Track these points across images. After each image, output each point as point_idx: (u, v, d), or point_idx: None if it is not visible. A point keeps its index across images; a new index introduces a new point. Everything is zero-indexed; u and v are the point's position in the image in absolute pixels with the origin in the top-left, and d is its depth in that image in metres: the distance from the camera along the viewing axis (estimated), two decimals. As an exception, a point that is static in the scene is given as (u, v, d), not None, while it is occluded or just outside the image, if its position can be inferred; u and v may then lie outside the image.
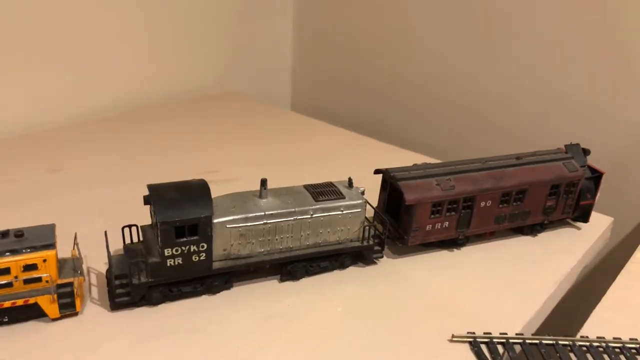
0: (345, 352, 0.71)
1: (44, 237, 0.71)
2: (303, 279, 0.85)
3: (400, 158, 1.31)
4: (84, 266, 0.83)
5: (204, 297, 0.79)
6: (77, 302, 0.73)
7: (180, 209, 0.73)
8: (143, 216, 0.81)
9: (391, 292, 0.83)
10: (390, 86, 1.71)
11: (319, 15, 1.83)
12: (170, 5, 1.54)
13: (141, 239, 0.80)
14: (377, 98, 1.75)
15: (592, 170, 1.01)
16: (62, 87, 1.39)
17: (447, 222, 0.90)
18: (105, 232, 0.79)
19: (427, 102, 1.64)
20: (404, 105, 1.69)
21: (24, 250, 0.69)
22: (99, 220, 0.96)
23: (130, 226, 0.80)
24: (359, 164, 1.23)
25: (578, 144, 1.02)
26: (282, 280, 0.84)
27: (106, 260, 0.82)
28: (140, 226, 0.81)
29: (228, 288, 0.81)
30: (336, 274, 0.87)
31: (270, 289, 0.83)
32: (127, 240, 0.80)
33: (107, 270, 0.78)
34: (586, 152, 1.01)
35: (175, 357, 0.68)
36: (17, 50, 1.28)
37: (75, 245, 0.77)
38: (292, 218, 0.80)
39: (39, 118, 1.36)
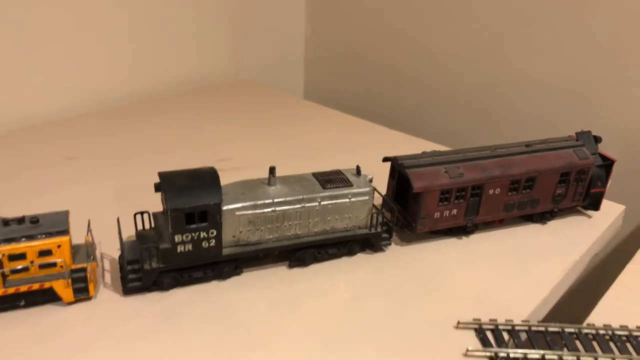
0: (353, 338, 0.72)
1: (58, 224, 0.73)
2: (312, 265, 0.86)
3: (410, 146, 1.30)
4: (97, 252, 0.85)
5: (214, 282, 0.81)
6: (91, 286, 0.75)
7: (191, 196, 0.74)
8: (155, 203, 0.83)
9: (399, 279, 0.84)
10: (402, 74, 1.71)
11: (332, 2, 1.83)
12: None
13: (152, 225, 0.82)
14: (389, 86, 1.75)
15: (604, 157, 1.00)
16: (79, 76, 1.41)
17: (456, 210, 0.90)
18: (118, 219, 0.81)
19: (439, 90, 1.63)
20: (416, 93, 1.69)
21: (39, 236, 0.71)
22: (112, 207, 0.98)
23: (142, 213, 0.82)
24: (370, 152, 1.23)
25: (589, 132, 1.01)
26: (290, 266, 0.85)
27: (119, 246, 0.83)
28: (152, 213, 0.82)
29: (238, 274, 0.82)
30: (344, 261, 0.88)
31: (279, 275, 0.84)
32: (139, 227, 0.82)
33: (119, 256, 0.80)
34: (597, 139, 1.01)
35: (186, 342, 0.70)
36: (37, 39, 1.30)
37: (89, 232, 0.79)
38: (300, 205, 0.81)
39: (57, 106, 1.38)
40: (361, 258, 0.89)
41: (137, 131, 1.32)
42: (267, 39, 1.84)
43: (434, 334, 0.73)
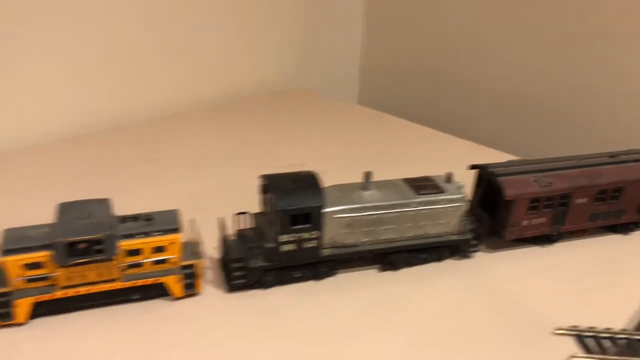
0: (445, 345, 0.73)
1: (170, 222, 0.77)
2: (402, 269, 0.88)
3: (478, 154, 1.31)
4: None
5: (310, 282, 0.84)
6: (198, 283, 0.78)
7: (296, 198, 0.77)
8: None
9: (488, 285, 0.85)
10: (462, 81, 1.71)
11: (389, 9, 1.85)
12: (248, 6, 1.60)
13: (247, 225, 0.85)
14: (448, 93, 1.76)
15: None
16: (156, 83, 1.47)
17: (543, 218, 0.91)
18: (219, 219, 0.84)
19: (501, 98, 1.64)
20: (475, 100, 1.70)
21: (154, 233, 0.75)
22: (190, 208, 1.01)
23: (242, 213, 0.85)
24: (435, 160, 1.25)
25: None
26: (382, 269, 0.87)
27: (213, 245, 0.87)
28: (252, 213, 0.86)
29: (332, 275, 0.85)
30: (433, 266, 0.89)
31: (371, 277, 0.86)
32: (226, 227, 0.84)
33: (222, 254, 0.84)
34: (683, 151, 1.00)
35: (289, 338, 0.73)
36: (135, 43, 1.38)
37: (193, 230, 0.83)
38: (395, 210, 0.83)
39: (134, 111, 1.44)
40: (449, 264, 0.90)
41: (202, 137, 1.36)
42: (323, 46, 1.86)
43: (529, 340, 0.74)
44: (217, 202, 0.93)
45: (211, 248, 0.89)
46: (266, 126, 1.45)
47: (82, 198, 0.75)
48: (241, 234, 0.84)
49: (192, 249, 0.80)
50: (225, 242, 0.82)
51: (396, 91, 1.92)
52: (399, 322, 0.76)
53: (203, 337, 0.72)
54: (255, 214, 0.86)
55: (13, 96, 1.25)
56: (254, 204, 0.86)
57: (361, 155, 1.30)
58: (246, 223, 0.86)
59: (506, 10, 1.55)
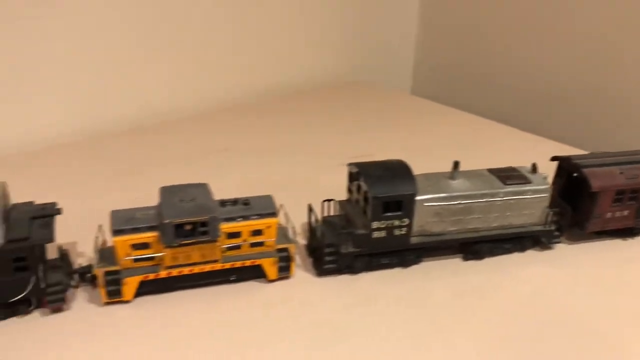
0: (533, 335, 0.73)
1: (266, 206, 0.79)
2: (485, 259, 0.88)
3: (541, 147, 1.31)
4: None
5: (396, 269, 0.85)
6: (292, 266, 0.80)
7: (389, 185, 0.78)
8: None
9: (573, 276, 0.85)
10: (519, 78, 1.70)
11: (445, 3, 1.84)
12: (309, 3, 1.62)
13: (332, 213, 0.87)
14: (503, 90, 1.75)
15: None
16: (227, 74, 1.52)
17: (627, 211, 0.91)
18: (309, 205, 0.86)
19: (557, 91, 1.62)
20: (534, 94, 1.68)
21: (252, 217, 0.77)
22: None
23: (329, 200, 0.87)
24: (498, 151, 1.25)
25: None
26: (465, 258, 0.88)
27: (302, 231, 0.89)
28: (338, 201, 0.87)
29: (417, 263, 0.86)
30: (515, 256, 0.90)
31: (455, 266, 0.87)
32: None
33: (308, 239, 0.86)
34: None
35: (382, 324, 0.74)
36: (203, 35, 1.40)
37: (284, 215, 0.84)
38: (484, 200, 0.84)
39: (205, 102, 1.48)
40: (531, 254, 0.91)
41: (270, 128, 1.38)
42: (378, 40, 1.87)
43: (624, 331, 0.74)
44: (291, 191, 0.95)
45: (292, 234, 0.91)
46: (328, 117, 1.47)
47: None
48: (327, 221, 0.86)
49: (283, 233, 0.83)
50: (313, 228, 0.84)
51: (449, 84, 1.92)
52: (487, 312, 0.77)
53: (301, 318, 0.74)
54: (341, 202, 0.88)
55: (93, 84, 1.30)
56: (326, 192, 0.89)
57: (425, 146, 1.30)
58: (330, 210, 0.88)
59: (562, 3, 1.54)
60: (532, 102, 1.70)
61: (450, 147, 1.30)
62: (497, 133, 1.42)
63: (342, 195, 0.89)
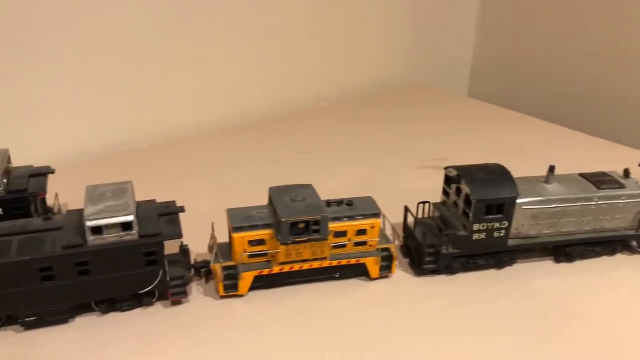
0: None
1: (369, 207, 0.82)
2: (576, 262, 0.90)
3: (611, 152, 1.31)
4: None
5: (491, 270, 0.87)
6: (393, 265, 0.83)
7: (491, 188, 0.81)
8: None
9: (666, 280, 0.87)
10: (582, 82, 1.70)
11: (505, 5, 1.85)
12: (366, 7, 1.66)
13: (426, 215, 0.90)
14: (565, 94, 1.75)
15: None
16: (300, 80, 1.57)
17: None
18: (405, 207, 0.88)
19: (614, 96, 1.61)
20: (597, 101, 1.68)
21: (357, 217, 0.80)
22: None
23: (423, 202, 0.90)
24: (564, 156, 1.24)
25: None
26: (557, 261, 0.90)
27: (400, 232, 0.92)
28: (432, 203, 0.90)
29: (511, 264, 0.88)
30: (605, 260, 0.91)
31: (547, 268, 0.89)
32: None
33: (403, 240, 0.89)
34: None
35: (483, 324, 0.76)
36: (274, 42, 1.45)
37: (384, 217, 0.87)
38: (578, 203, 0.86)
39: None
40: (620, 258, 0.92)
41: (339, 132, 1.41)
42: (437, 42, 1.89)
43: None
44: (371, 193, 0.93)
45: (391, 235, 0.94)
46: (394, 121, 1.49)
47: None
48: (422, 222, 0.88)
49: (382, 233, 0.85)
50: (410, 229, 0.87)
51: (506, 88, 1.93)
52: (588, 316, 0.79)
53: (407, 317, 0.77)
54: (435, 204, 0.90)
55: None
56: (407, 194, 0.91)
57: (494, 149, 1.31)
58: (424, 212, 0.91)
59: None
60: (586, 104, 1.69)
61: (514, 151, 1.30)
62: (564, 137, 1.42)
63: (423, 197, 0.91)
